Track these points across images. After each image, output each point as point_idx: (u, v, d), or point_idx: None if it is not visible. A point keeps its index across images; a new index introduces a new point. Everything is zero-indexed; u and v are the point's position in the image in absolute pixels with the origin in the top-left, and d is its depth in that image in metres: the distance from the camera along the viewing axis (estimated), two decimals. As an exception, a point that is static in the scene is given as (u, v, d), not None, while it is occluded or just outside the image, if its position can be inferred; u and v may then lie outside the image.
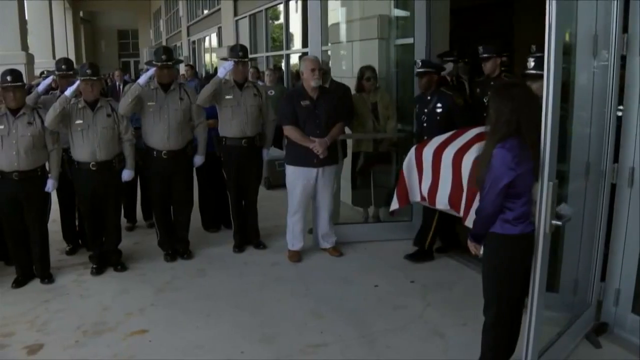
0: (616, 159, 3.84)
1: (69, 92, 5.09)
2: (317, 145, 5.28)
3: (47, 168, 5.23)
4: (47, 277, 5.29)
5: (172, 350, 4.05)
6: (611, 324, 3.97)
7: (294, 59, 12.07)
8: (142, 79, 5.35)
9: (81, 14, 34.91)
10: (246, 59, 5.76)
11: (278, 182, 7.70)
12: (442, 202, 4.68)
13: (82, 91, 5.16)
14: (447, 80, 6.14)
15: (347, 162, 6.44)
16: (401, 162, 5.25)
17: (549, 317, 3.51)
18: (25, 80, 5.33)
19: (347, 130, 6.06)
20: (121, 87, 11.39)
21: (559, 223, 3.06)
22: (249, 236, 6.01)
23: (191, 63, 17.78)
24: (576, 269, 4.03)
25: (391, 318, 4.39)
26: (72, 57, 22.55)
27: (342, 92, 6.04)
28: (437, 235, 5.49)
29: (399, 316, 4.42)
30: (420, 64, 5.58)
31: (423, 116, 5.59)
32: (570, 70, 3.81)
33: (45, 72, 7.99)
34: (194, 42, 24.55)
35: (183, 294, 4.95)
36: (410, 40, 6.34)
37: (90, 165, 5.18)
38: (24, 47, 10.93)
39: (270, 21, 13.60)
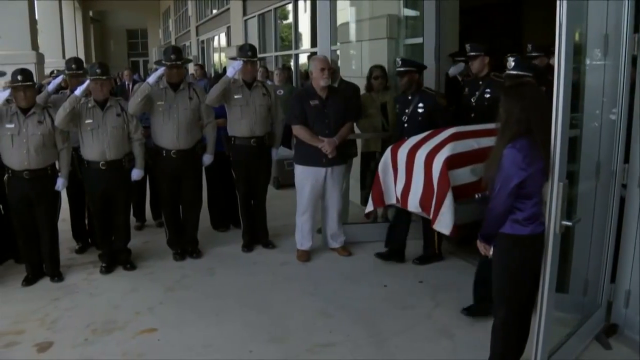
0: (627, 159, 3.82)
1: (78, 91, 5.11)
2: (325, 145, 5.28)
3: (57, 167, 5.25)
4: (57, 276, 5.32)
5: (180, 349, 4.06)
6: (621, 325, 3.96)
7: (303, 59, 12.08)
8: (152, 79, 5.36)
9: (91, 13, 35.03)
10: (255, 59, 5.76)
11: (287, 182, 7.70)
12: (413, 204, 4.68)
13: (92, 90, 5.18)
14: (458, 80, 6.13)
15: (357, 161, 6.44)
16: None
17: (559, 317, 3.50)
18: (35, 80, 5.35)
19: (357, 129, 6.05)
20: (130, 86, 11.42)
21: (569, 223, 3.05)
22: (258, 236, 6.01)
23: (200, 63, 17.79)
24: (586, 270, 4.01)
25: (400, 318, 4.39)
26: (82, 56, 22.67)
27: (351, 91, 6.04)
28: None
29: (407, 316, 4.41)
30: (400, 62, 5.49)
31: (404, 116, 5.50)
32: (581, 69, 3.80)
33: (55, 72, 8.01)
34: (202, 41, 24.59)
35: (192, 293, 4.97)
36: (419, 40, 6.34)
37: (100, 165, 5.20)
38: (34, 46, 10.94)
39: (279, 21, 13.60)
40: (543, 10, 5.66)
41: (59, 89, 5.88)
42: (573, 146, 3.43)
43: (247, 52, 5.68)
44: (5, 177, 5.10)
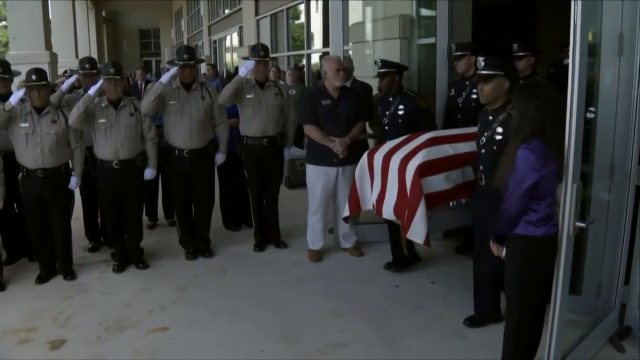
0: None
1: (92, 91, 5.14)
2: (336, 145, 5.27)
3: (71, 166, 5.29)
4: (70, 274, 5.35)
5: (192, 347, 4.08)
6: (635, 327, 3.92)
7: (315, 59, 12.09)
8: (165, 78, 5.39)
9: (104, 13, 35.22)
10: (267, 58, 5.77)
11: (299, 182, 7.70)
12: (388, 212, 4.54)
13: (106, 90, 5.21)
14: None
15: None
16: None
17: (572, 319, 3.48)
18: (49, 79, 5.38)
19: (369, 129, 6.04)
20: (143, 86, 11.46)
21: (583, 225, 3.03)
22: (269, 235, 6.02)
23: (212, 62, 17.85)
24: (599, 272, 3.99)
25: (412, 318, 4.38)
26: (95, 56, 22.74)
27: (364, 91, 6.03)
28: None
29: (419, 316, 4.40)
30: (380, 64, 5.36)
31: (385, 118, 5.38)
32: (595, 70, 3.78)
33: (68, 71, 8.05)
34: (215, 41, 24.67)
35: (204, 292, 4.98)
36: (432, 40, 6.32)
37: (113, 164, 5.23)
38: (48, 46, 11.03)
39: (291, 21, 13.62)
40: (556, 10, 5.64)
41: (72, 88, 5.91)
42: (587, 147, 3.42)
43: (259, 52, 5.69)
44: (20, 176, 5.14)
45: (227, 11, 21.00)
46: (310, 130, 5.40)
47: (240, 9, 17.41)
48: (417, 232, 4.20)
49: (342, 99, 5.39)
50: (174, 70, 5.43)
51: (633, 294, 3.94)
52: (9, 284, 5.21)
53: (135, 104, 5.36)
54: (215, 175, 5.97)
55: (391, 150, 4.59)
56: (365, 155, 4.87)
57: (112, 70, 5.17)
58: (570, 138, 2.91)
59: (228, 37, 22.00)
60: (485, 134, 3.88)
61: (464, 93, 5.43)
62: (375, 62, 5.43)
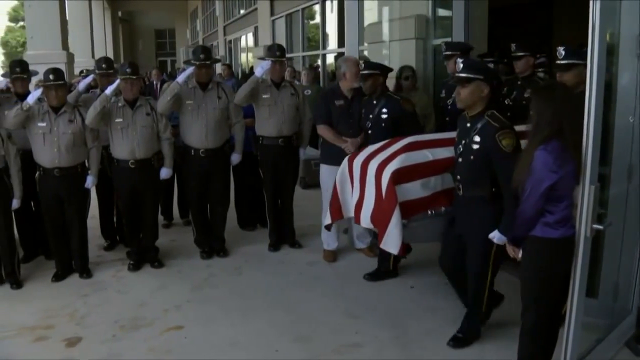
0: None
1: (109, 90, 5.17)
2: (349, 145, 5.25)
3: (87, 165, 5.32)
4: (86, 272, 5.38)
5: (207, 346, 4.09)
6: (652, 330, 3.89)
7: (330, 59, 12.09)
8: (181, 78, 5.41)
9: (119, 13, 35.44)
10: (283, 59, 5.78)
11: (314, 182, 7.68)
12: (365, 220, 4.38)
13: (122, 90, 5.24)
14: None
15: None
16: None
17: (588, 323, 3.44)
18: (66, 79, 5.43)
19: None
20: (158, 86, 11.51)
21: (601, 227, 3.01)
22: (284, 235, 6.02)
23: (227, 62, 17.91)
24: (617, 275, 3.95)
25: (426, 319, 4.36)
26: (111, 56, 22.88)
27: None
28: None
29: (434, 318, 4.39)
30: (363, 65, 5.30)
31: (368, 122, 5.25)
32: (613, 70, 3.75)
33: (84, 71, 8.11)
34: (230, 41, 24.73)
35: (219, 292, 4.99)
36: (448, 40, 6.29)
37: (130, 163, 5.26)
38: (65, 46, 11.12)
39: (306, 21, 13.63)
40: (574, 10, 5.59)
41: (89, 88, 5.95)
42: (604, 148, 3.39)
43: (275, 52, 5.70)
44: (37, 174, 5.19)
45: (242, 11, 21.04)
46: (323, 131, 5.40)
47: (256, 9, 17.45)
48: (391, 242, 4.05)
49: (356, 100, 5.38)
50: (190, 70, 5.46)
51: (650, 298, 3.90)
52: (25, 282, 5.25)
53: (151, 104, 5.39)
54: (230, 175, 5.98)
55: (370, 156, 4.43)
56: (345, 161, 4.73)
57: (128, 70, 5.20)
58: (588, 139, 2.88)
59: (243, 37, 22.04)
60: (463, 141, 3.74)
61: (453, 95, 5.20)
62: (358, 64, 5.36)
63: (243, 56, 22.86)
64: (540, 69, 5.63)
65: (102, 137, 5.39)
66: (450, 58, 5.29)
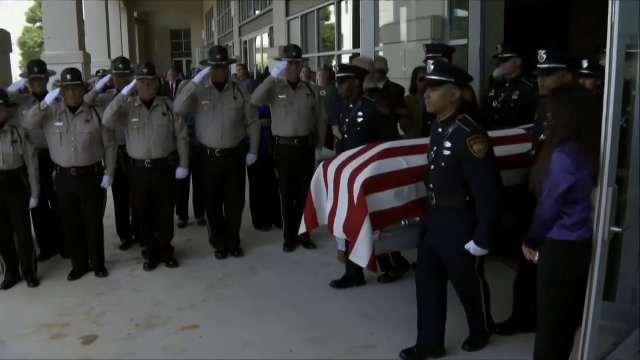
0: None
1: (126, 90, 5.20)
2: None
3: (104, 165, 5.36)
4: (102, 271, 5.42)
5: (221, 346, 4.11)
6: (671, 335, 3.85)
7: (345, 59, 12.08)
8: (198, 78, 5.43)
9: (135, 14, 35.63)
10: (300, 59, 5.78)
11: (328, 183, 7.69)
12: (338, 229, 4.13)
13: (139, 90, 5.27)
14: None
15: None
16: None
17: (605, 326, 3.41)
18: (83, 79, 5.46)
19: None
20: (174, 86, 11.56)
21: (619, 230, 2.97)
22: (299, 236, 6.02)
23: (243, 63, 17.97)
24: (635, 278, 3.91)
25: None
26: (127, 56, 23.03)
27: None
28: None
29: (450, 320, 4.35)
30: (338, 68, 5.18)
31: (344, 126, 5.09)
32: (631, 72, 3.71)
33: (101, 71, 8.16)
34: (245, 42, 24.79)
35: (234, 291, 5.00)
36: (464, 42, 6.28)
37: (146, 163, 5.28)
38: (82, 46, 11.19)
39: (322, 22, 13.64)
40: (590, 10, 5.54)
41: (105, 88, 5.99)
42: (623, 150, 3.35)
43: (291, 52, 5.71)
44: (54, 174, 5.23)
45: (257, 12, 21.09)
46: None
47: (271, 9, 17.48)
48: (360, 254, 3.82)
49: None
50: (206, 70, 5.48)
51: (669, 302, 3.86)
52: (42, 280, 5.30)
53: (167, 104, 5.41)
54: (246, 175, 5.99)
55: (345, 162, 4.20)
56: (320, 167, 4.52)
57: (145, 70, 5.23)
58: (606, 141, 2.86)
59: (258, 38, 22.09)
60: (435, 148, 3.57)
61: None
62: (334, 67, 5.28)
63: (258, 57, 22.91)
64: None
65: (119, 137, 5.43)
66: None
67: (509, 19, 6.66)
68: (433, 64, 3.52)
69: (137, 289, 5.14)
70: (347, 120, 5.07)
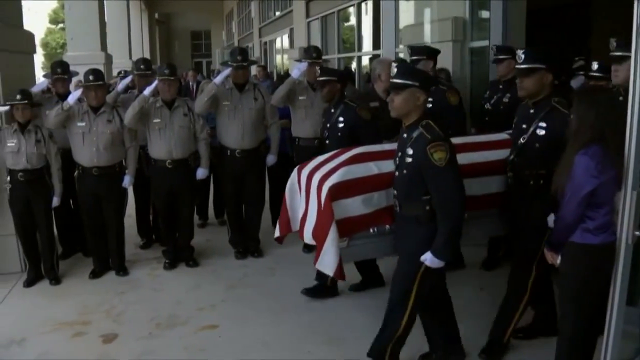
0: None
1: (147, 91, 5.24)
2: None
3: (125, 164, 5.40)
4: (123, 270, 5.47)
5: (240, 346, 4.13)
6: (695, 341, 3.79)
7: (365, 61, 12.06)
8: (218, 78, 5.46)
9: (156, 15, 35.84)
10: (320, 60, 5.78)
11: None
12: (307, 235, 3.99)
13: (160, 90, 5.31)
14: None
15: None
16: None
17: (628, 332, 3.37)
18: (105, 80, 5.51)
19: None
20: (194, 87, 11.62)
21: (644, 234, 2.94)
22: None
23: (262, 64, 18.02)
24: (658, 282, 3.87)
25: (460, 326, 4.31)
26: (147, 57, 23.18)
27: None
28: None
29: (468, 324, 4.30)
30: (319, 71, 5.09)
31: (325, 131, 5.04)
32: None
33: (122, 72, 8.22)
34: (265, 43, 24.82)
35: (253, 292, 5.02)
36: (485, 43, 6.23)
37: (167, 163, 5.32)
38: (103, 47, 11.25)
39: (341, 23, 13.62)
40: (613, 11, 5.46)
41: (127, 88, 6.04)
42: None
43: (312, 53, 5.72)
44: (76, 173, 5.30)
45: (277, 13, 21.10)
46: None
47: (291, 11, 17.48)
48: (326, 262, 3.69)
49: (391, 102, 5.33)
50: (227, 71, 5.50)
51: (693, 307, 3.81)
52: (64, 278, 5.37)
53: (189, 105, 5.45)
54: (265, 175, 6.01)
55: (316, 167, 4.09)
56: (295, 170, 4.41)
57: (166, 71, 5.26)
58: (630, 144, 2.82)
59: (278, 39, 22.10)
60: (399, 154, 3.43)
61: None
62: (354, 69, 5.21)
63: (278, 58, 22.93)
64: (580, 72, 5.51)
65: (140, 137, 5.47)
66: (417, 63, 4.96)
67: (531, 20, 6.61)
68: (396, 66, 3.38)
69: (157, 288, 5.17)
70: (328, 125, 5.01)
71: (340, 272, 3.69)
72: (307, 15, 15.46)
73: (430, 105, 4.58)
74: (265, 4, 23.49)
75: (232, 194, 5.77)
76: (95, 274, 5.41)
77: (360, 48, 12.20)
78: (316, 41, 14.34)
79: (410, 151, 3.29)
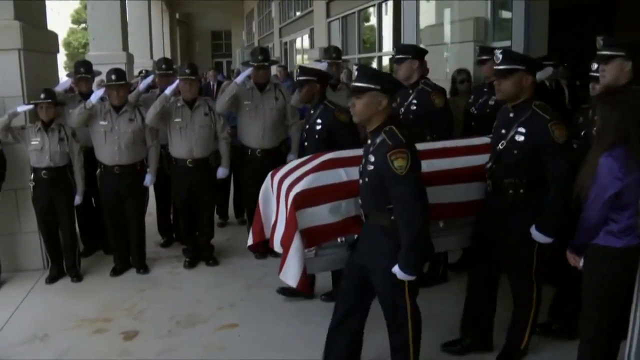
0: None
1: (168, 90, 5.27)
2: None
3: (146, 163, 5.44)
4: (143, 268, 5.51)
5: (259, 346, 4.15)
6: None
7: (385, 61, 12.04)
8: (240, 78, 5.48)
9: (177, 15, 36.04)
10: (339, 60, 5.79)
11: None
12: (277, 243, 3.86)
13: (181, 90, 5.34)
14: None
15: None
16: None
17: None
18: (127, 79, 5.56)
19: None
20: (215, 86, 11.67)
21: (667, 236, 2.91)
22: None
23: (283, 64, 18.05)
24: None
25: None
26: (168, 57, 23.29)
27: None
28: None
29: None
30: (299, 71, 4.86)
31: (304, 133, 4.84)
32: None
33: (143, 72, 8.28)
34: (285, 43, 24.86)
35: (272, 292, 5.00)
36: (507, 43, 6.19)
37: (187, 162, 5.34)
38: (125, 47, 11.34)
39: (362, 23, 13.60)
40: (636, 11, 5.39)
41: (148, 88, 6.08)
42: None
43: (331, 54, 5.73)
44: (98, 172, 5.35)
45: (298, 13, 21.12)
46: None
47: (312, 11, 17.50)
48: (289, 272, 3.59)
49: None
50: (248, 71, 5.52)
51: None
52: (85, 276, 5.43)
53: (209, 104, 5.47)
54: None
55: (288, 172, 3.96)
56: (268, 176, 4.28)
57: (187, 70, 5.29)
58: (655, 146, 2.80)
59: (299, 39, 22.12)
60: (363, 160, 3.26)
61: (405, 103, 4.74)
62: (296, 70, 5.09)
63: (298, 58, 22.95)
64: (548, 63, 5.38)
65: (161, 136, 5.50)
66: (402, 62, 4.74)
67: (553, 20, 6.55)
68: (357, 69, 3.24)
69: (177, 287, 5.21)
70: (307, 126, 4.82)
71: (304, 283, 3.57)
72: (328, 16, 15.46)
73: (414, 108, 4.60)
74: (286, 4, 23.53)
75: (253, 194, 5.73)
76: (116, 272, 5.46)
77: (380, 48, 12.18)
78: (336, 41, 14.34)
79: (372, 158, 3.12)
